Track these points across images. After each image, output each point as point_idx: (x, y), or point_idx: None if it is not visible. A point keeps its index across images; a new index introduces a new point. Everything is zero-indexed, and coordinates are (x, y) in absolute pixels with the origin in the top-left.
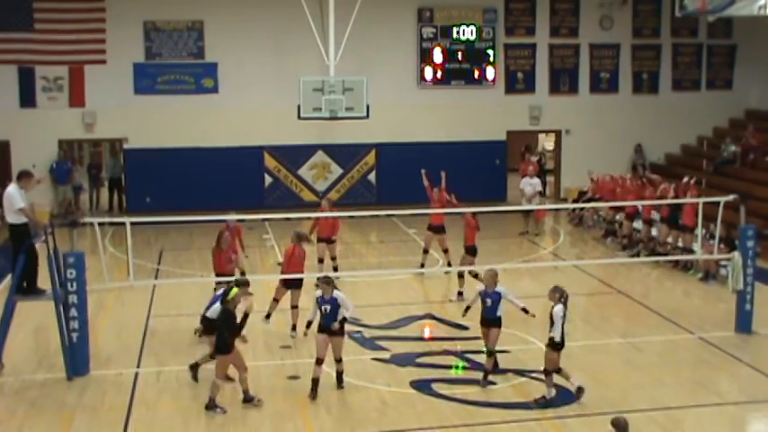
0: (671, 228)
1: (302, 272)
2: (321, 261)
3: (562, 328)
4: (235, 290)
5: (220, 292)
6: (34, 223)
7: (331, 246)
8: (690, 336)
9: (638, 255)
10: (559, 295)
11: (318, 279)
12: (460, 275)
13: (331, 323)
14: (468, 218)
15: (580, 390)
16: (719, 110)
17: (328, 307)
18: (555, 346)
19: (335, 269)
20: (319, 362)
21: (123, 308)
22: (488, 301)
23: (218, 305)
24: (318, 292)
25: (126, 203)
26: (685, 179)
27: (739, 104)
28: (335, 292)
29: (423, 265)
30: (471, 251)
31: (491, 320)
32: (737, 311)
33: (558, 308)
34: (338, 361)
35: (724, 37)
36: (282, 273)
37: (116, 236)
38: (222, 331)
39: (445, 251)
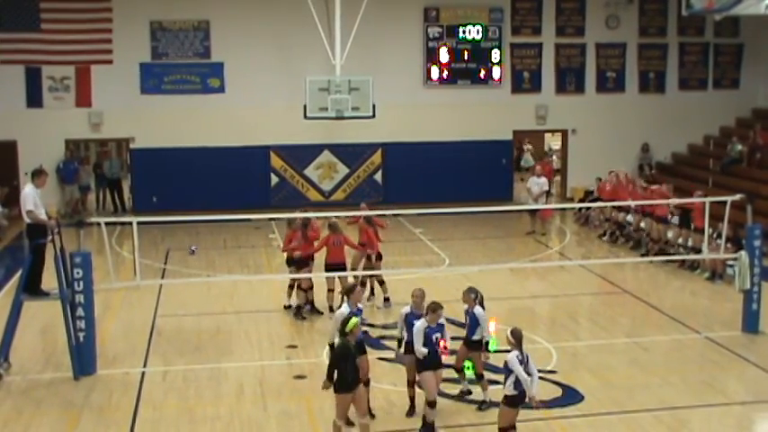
0: (682, 228)
1: (344, 258)
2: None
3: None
4: (354, 320)
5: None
6: (41, 223)
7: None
8: (696, 335)
9: (646, 254)
10: (475, 296)
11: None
12: (382, 282)
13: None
14: (370, 232)
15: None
16: (726, 109)
17: (438, 335)
18: (480, 347)
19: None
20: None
21: (130, 307)
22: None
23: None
24: (422, 323)
25: (131, 203)
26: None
27: (746, 103)
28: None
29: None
30: (378, 257)
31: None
32: (744, 311)
33: (479, 309)
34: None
35: (731, 36)
36: (325, 262)
37: (122, 236)
38: (339, 367)
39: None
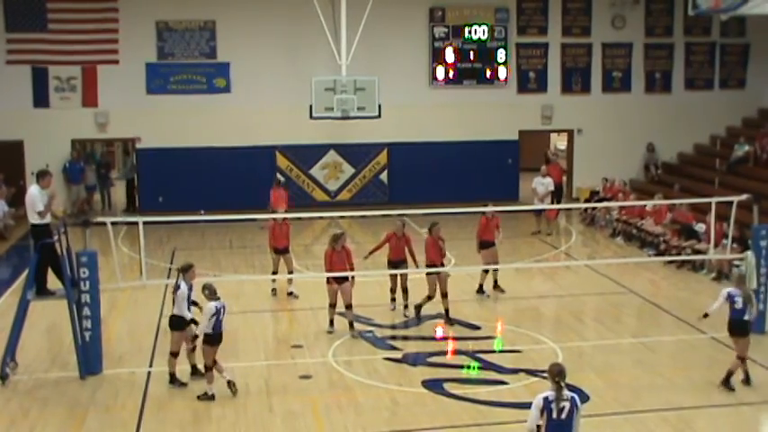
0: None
1: (405, 258)
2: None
3: (216, 322)
4: None
5: None
6: (44, 219)
7: (287, 257)
8: (702, 336)
9: (655, 254)
10: (209, 292)
11: None
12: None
13: None
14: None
15: (230, 383)
16: (733, 109)
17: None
18: (209, 340)
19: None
20: None
21: (136, 307)
22: None
23: None
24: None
25: (138, 203)
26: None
27: (753, 103)
28: None
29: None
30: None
31: None
32: None
33: (211, 305)
34: None
35: (737, 36)
36: (389, 260)
37: (128, 235)
38: None
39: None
